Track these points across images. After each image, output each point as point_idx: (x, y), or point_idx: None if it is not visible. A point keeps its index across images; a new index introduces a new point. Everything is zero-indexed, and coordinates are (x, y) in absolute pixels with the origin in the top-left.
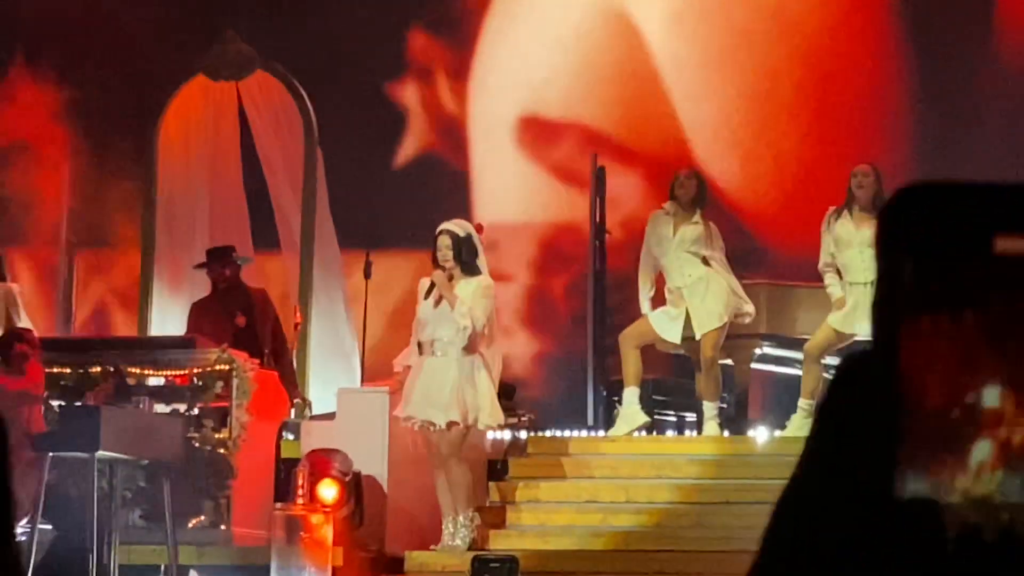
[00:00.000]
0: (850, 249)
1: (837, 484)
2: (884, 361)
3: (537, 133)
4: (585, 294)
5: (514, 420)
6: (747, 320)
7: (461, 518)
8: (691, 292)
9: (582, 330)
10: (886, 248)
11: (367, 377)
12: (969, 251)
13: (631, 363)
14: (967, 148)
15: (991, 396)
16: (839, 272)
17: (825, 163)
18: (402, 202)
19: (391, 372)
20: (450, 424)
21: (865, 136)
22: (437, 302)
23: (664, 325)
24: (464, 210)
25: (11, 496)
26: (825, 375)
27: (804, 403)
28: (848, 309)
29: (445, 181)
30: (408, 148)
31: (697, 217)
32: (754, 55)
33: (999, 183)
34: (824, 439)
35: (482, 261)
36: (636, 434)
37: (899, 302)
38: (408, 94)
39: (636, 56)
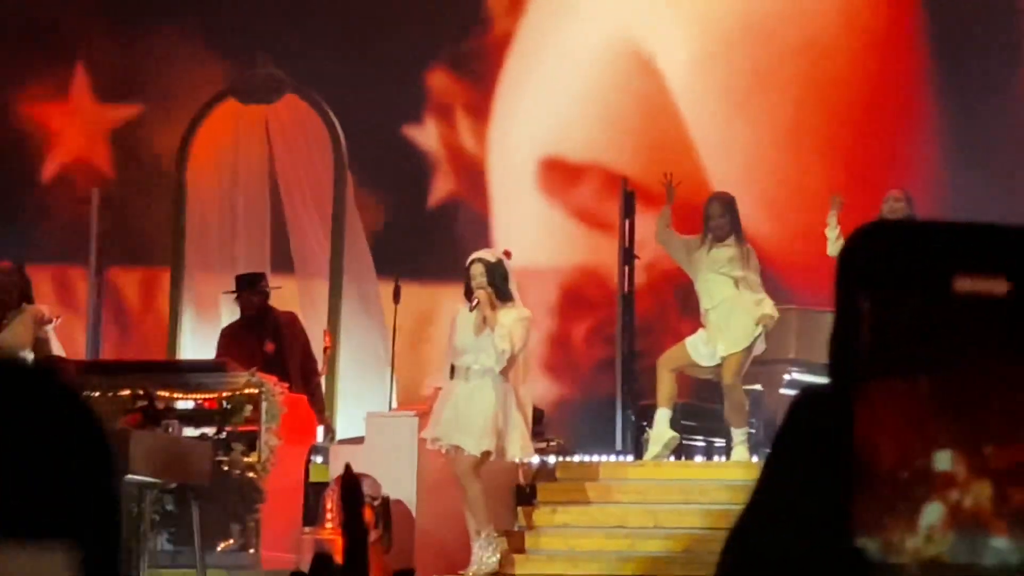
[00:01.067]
0: None
1: (784, 525)
2: (837, 399)
3: (559, 175)
4: (607, 340)
5: (542, 445)
6: (770, 325)
7: (479, 541)
8: (717, 314)
9: (604, 378)
10: (844, 283)
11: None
12: (928, 289)
13: (665, 385)
14: (999, 187)
15: (943, 459)
16: None
17: (854, 205)
18: (425, 239)
19: (418, 397)
20: (484, 454)
21: (894, 175)
22: (481, 329)
23: (698, 349)
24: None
25: (121, 521)
26: None
27: None
28: None
29: (465, 222)
30: (427, 188)
31: (731, 240)
32: (779, 95)
33: (959, 223)
34: (775, 473)
35: (514, 286)
36: (667, 459)
37: (855, 342)
38: (428, 134)
39: (659, 98)
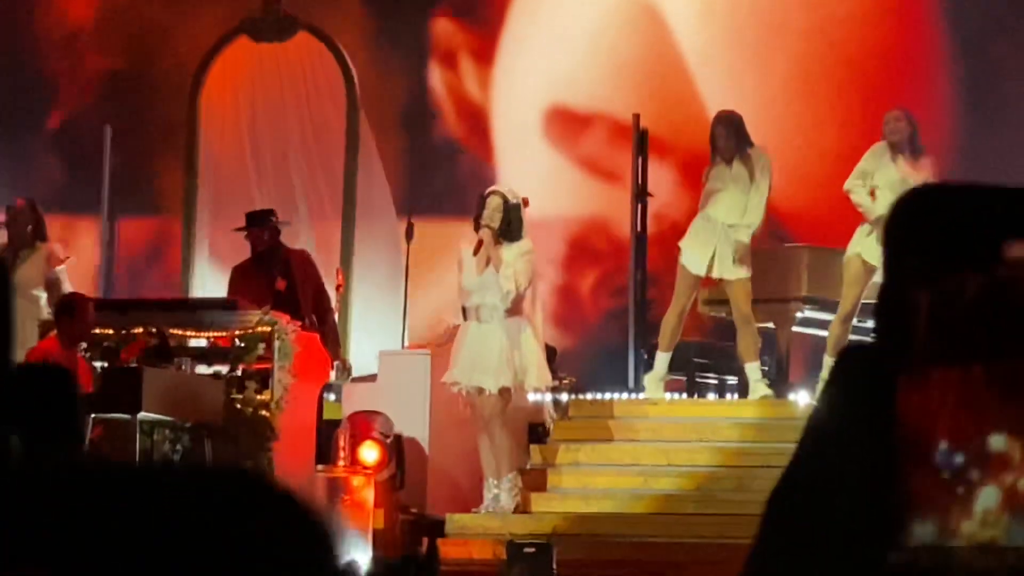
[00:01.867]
0: (882, 183)
1: (828, 490)
2: (882, 352)
3: (565, 124)
4: (615, 293)
5: (555, 383)
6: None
7: (505, 481)
8: (725, 230)
9: (612, 328)
10: (895, 245)
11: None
12: (978, 256)
13: (668, 329)
14: (1008, 138)
15: (998, 442)
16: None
17: (861, 155)
18: (432, 179)
19: (432, 335)
20: (502, 390)
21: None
22: (483, 267)
23: (689, 250)
24: None
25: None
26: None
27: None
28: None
29: (469, 171)
30: (428, 132)
31: (748, 151)
32: (787, 47)
33: (1009, 187)
34: (820, 434)
35: (525, 231)
36: (677, 396)
37: (910, 331)
38: (433, 79)
39: (666, 47)
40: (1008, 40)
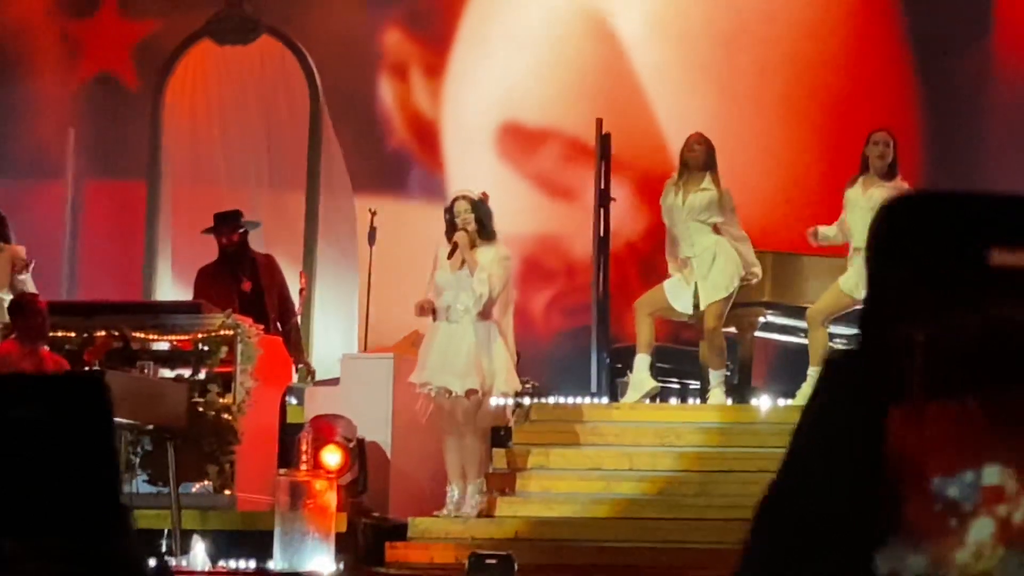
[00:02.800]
0: (855, 213)
1: (813, 503)
2: (870, 369)
3: (516, 141)
4: (567, 313)
5: (520, 386)
6: (754, 281)
7: (471, 486)
8: (699, 263)
9: (562, 349)
10: (879, 254)
11: (371, 340)
12: (964, 263)
13: (644, 331)
14: (968, 148)
15: (992, 474)
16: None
17: (818, 168)
18: (387, 193)
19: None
20: (468, 392)
21: (859, 139)
22: (458, 267)
23: (676, 294)
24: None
25: (117, 463)
26: (831, 344)
27: (813, 371)
28: (855, 275)
29: (420, 186)
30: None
31: (707, 182)
32: (741, 63)
33: (995, 194)
34: (806, 446)
35: (499, 232)
36: (644, 401)
37: (891, 314)
38: (383, 92)
39: (619, 63)
40: (967, 55)
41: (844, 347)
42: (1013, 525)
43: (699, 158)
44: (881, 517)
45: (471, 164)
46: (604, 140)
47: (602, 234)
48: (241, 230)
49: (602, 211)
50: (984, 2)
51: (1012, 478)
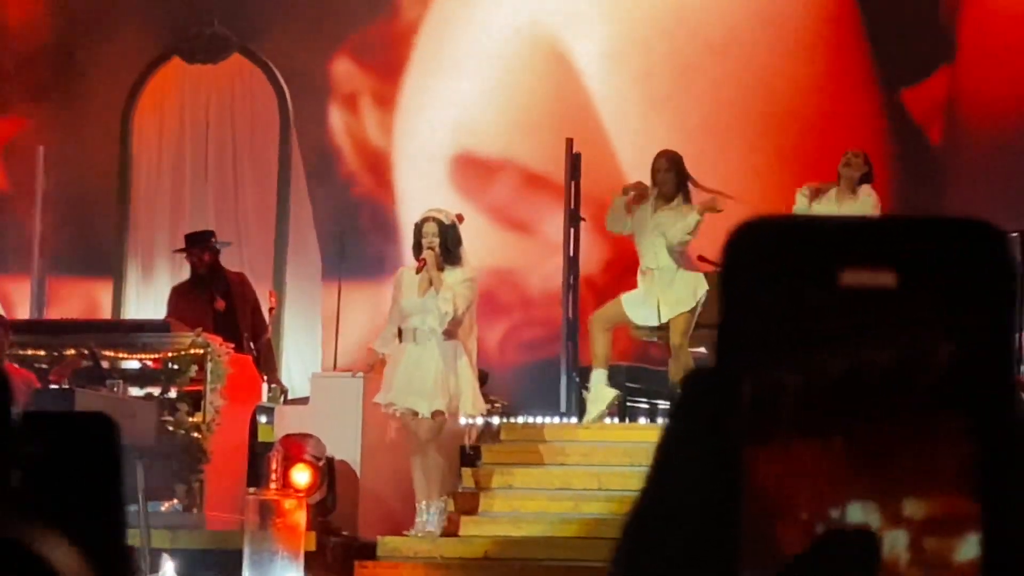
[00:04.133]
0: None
1: (674, 529)
2: (726, 400)
3: (470, 172)
4: (522, 347)
5: (487, 406)
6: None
7: (434, 505)
8: (660, 276)
9: (519, 386)
10: (730, 279)
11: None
12: (815, 283)
13: (600, 345)
14: (932, 176)
15: (856, 512)
16: None
17: (781, 200)
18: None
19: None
20: (435, 414)
21: (822, 170)
22: (425, 289)
23: (634, 308)
24: (393, 248)
25: (122, 485)
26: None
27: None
28: None
29: (372, 218)
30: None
31: (677, 202)
32: (699, 93)
33: (843, 217)
34: (667, 468)
35: (464, 251)
36: (608, 420)
37: (745, 341)
38: (333, 123)
39: (575, 94)
40: (923, 84)
41: (703, 368)
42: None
43: (669, 182)
44: (746, 554)
45: (424, 197)
46: (575, 160)
47: (572, 254)
48: (212, 250)
49: (572, 231)
50: (949, 28)
51: (876, 513)
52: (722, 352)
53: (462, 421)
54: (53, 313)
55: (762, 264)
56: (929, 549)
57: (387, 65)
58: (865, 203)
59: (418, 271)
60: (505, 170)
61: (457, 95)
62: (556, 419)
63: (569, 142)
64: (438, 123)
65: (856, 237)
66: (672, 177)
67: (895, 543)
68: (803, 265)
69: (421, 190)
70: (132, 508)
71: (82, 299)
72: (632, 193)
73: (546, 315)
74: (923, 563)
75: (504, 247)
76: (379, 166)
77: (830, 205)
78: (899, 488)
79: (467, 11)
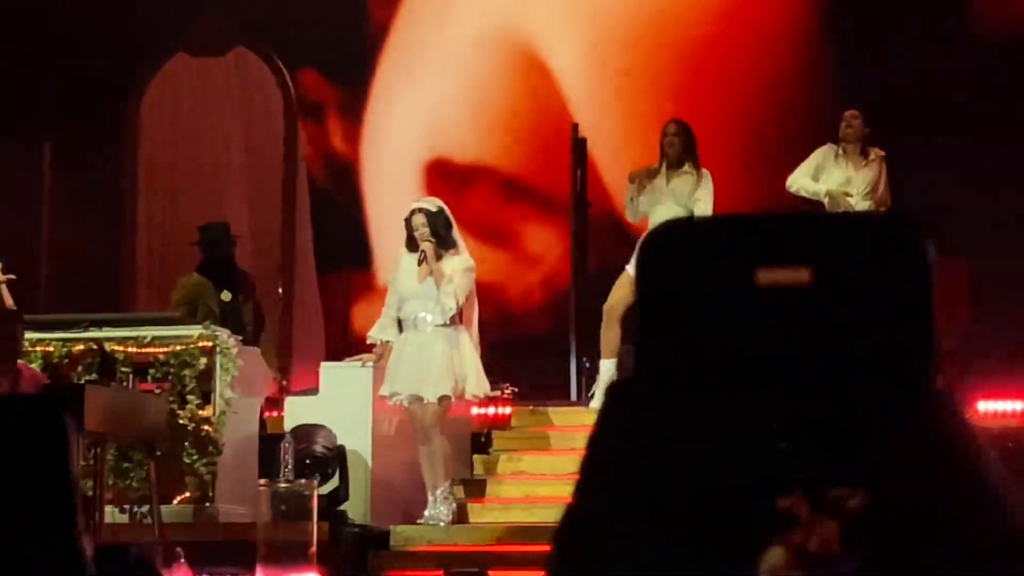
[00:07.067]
0: (824, 181)
1: (603, 534)
2: (649, 402)
3: (442, 180)
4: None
5: (497, 393)
6: None
7: (441, 490)
8: None
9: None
10: (646, 279)
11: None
12: (731, 284)
13: (611, 337)
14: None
15: (784, 501)
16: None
17: (761, 205)
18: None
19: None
20: (441, 398)
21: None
22: (424, 278)
23: None
24: (363, 259)
25: (75, 485)
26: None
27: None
28: None
29: (339, 227)
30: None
31: (688, 167)
32: (675, 100)
33: (759, 215)
34: (594, 482)
35: (457, 235)
36: None
37: (664, 339)
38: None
39: (549, 99)
40: (904, 96)
41: (625, 379)
42: (807, 552)
43: (676, 144)
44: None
45: (395, 208)
46: (580, 144)
47: (580, 238)
48: (226, 242)
49: (579, 216)
50: None
51: (804, 504)
52: (641, 361)
53: (474, 412)
54: (62, 308)
55: (678, 268)
56: (864, 541)
57: (357, 74)
58: (872, 167)
59: (420, 263)
60: (478, 177)
61: (428, 102)
62: (567, 405)
63: (574, 127)
64: (407, 131)
65: (772, 236)
66: (679, 141)
67: (827, 535)
68: (719, 266)
69: (392, 199)
70: (145, 503)
71: (91, 293)
72: (638, 180)
73: (525, 331)
74: (858, 554)
75: (479, 259)
76: (347, 175)
77: (841, 171)
78: (831, 479)
79: (440, 17)
